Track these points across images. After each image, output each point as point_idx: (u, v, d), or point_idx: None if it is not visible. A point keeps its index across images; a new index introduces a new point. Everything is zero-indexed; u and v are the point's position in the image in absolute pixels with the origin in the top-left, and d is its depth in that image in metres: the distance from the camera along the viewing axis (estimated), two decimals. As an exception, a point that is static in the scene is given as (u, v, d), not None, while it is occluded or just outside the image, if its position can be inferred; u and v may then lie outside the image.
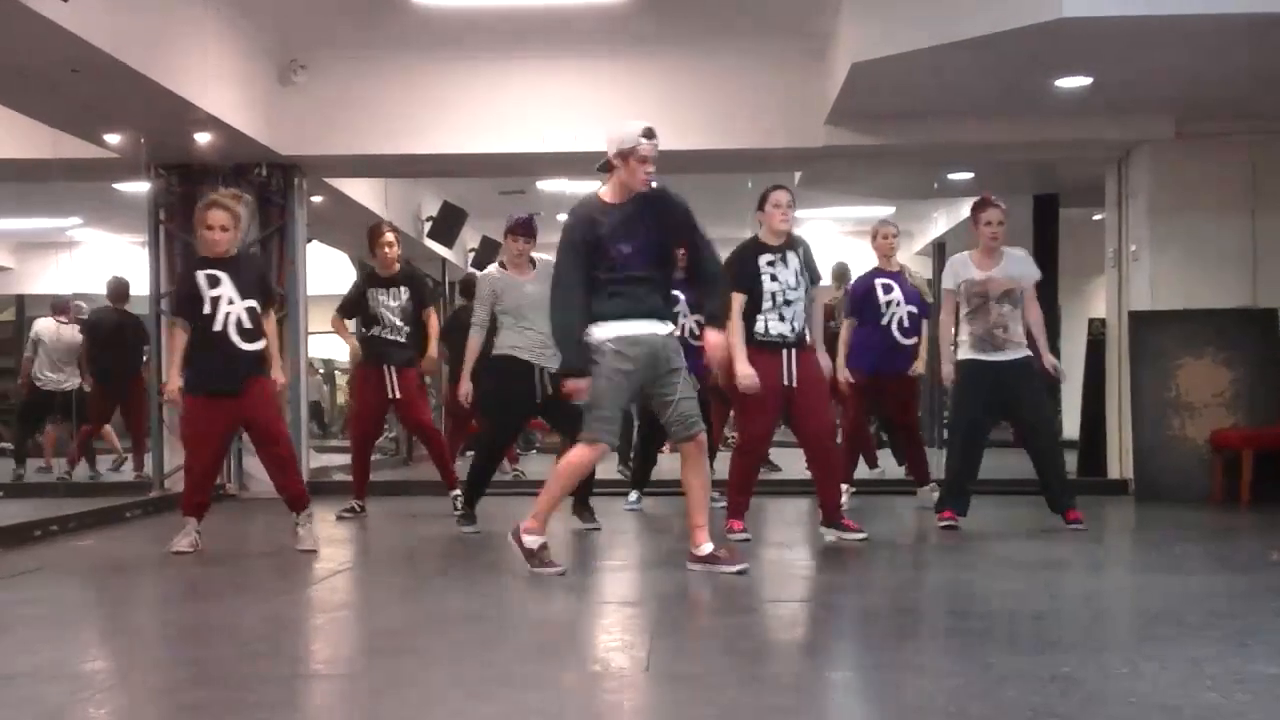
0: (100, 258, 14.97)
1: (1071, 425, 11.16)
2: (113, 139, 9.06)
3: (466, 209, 13.71)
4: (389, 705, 3.39)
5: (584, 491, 7.21)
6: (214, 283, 6.10)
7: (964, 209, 14.04)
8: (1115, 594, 5.45)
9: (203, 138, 8.77)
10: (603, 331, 5.34)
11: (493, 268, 7.46)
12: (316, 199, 10.79)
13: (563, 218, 17.19)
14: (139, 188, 10.08)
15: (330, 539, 6.93)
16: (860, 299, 8.09)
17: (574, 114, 9.35)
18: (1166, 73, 7.90)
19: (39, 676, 3.82)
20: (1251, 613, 4.67)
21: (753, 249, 6.56)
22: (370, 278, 8.07)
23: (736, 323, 6.30)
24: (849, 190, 12.99)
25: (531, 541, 5.39)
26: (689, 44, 9.11)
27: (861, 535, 6.52)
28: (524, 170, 11.38)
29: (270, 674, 3.82)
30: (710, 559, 5.47)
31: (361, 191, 11.92)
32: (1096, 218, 10.37)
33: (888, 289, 8.03)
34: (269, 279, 6.50)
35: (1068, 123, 8.95)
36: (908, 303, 8.05)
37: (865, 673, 3.95)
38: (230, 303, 6.09)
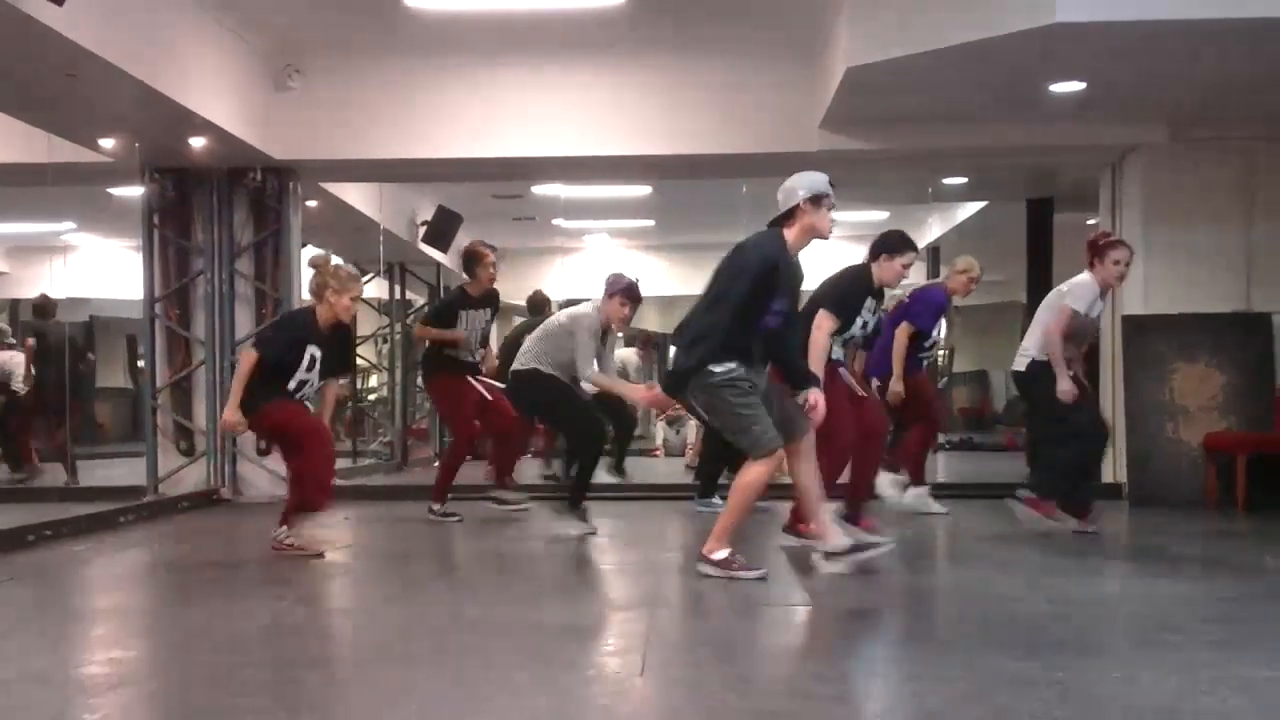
0: (94, 262, 14.96)
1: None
2: (107, 143, 9.05)
3: (461, 213, 13.70)
4: (387, 710, 3.38)
5: (578, 497, 7.19)
6: (311, 363, 6.29)
7: (958, 214, 14.12)
8: (1111, 599, 5.45)
9: (197, 142, 8.77)
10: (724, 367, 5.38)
11: (591, 308, 7.19)
12: (311, 203, 10.76)
13: (558, 222, 17.07)
14: (133, 192, 10.06)
15: (326, 544, 6.90)
16: (934, 313, 8.06)
17: (569, 119, 9.37)
18: (1160, 77, 7.90)
19: (34, 681, 3.82)
20: (1247, 617, 4.69)
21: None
22: (464, 298, 8.03)
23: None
24: (843, 195, 12.95)
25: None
26: (684, 49, 9.11)
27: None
28: (519, 174, 11.38)
29: (267, 679, 3.81)
30: (726, 564, 5.47)
31: (356, 195, 11.90)
32: (1091, 222, 10.37)
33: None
34: (351, 354, 6.74)
35: (1062, 127, 8.94)
36: None
37: (861, 677, 3.96)
38: (309, 384, 6.33)
